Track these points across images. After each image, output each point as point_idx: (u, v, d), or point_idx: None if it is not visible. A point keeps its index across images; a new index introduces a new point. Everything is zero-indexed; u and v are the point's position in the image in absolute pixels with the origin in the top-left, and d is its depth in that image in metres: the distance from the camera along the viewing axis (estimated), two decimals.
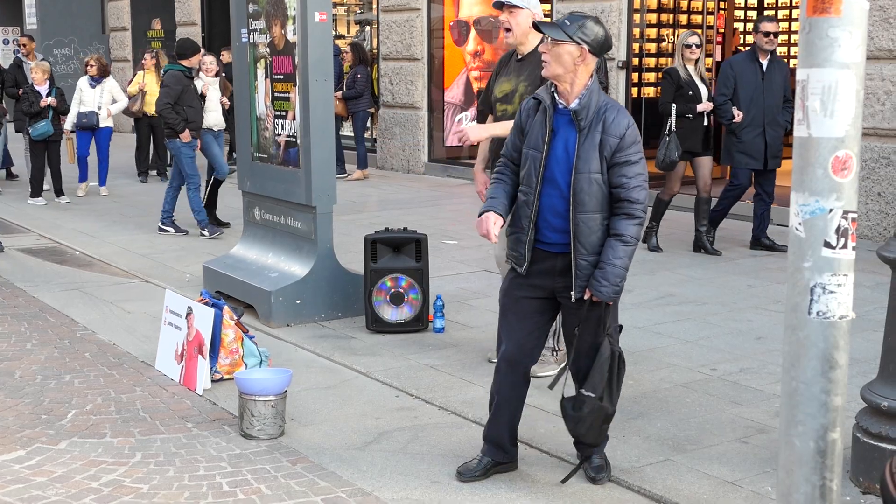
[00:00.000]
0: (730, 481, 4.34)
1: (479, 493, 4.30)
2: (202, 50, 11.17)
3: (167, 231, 10.33)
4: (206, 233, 10.09)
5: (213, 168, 10.73)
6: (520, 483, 4.39)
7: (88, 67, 13.05)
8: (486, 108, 5.93)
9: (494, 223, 4.26)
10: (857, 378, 5.05)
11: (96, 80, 12.93)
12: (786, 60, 10.15)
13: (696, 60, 8.97)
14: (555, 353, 5.68)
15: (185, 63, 10.17)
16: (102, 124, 12.91)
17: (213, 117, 10.82)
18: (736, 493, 4.24)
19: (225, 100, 11.16)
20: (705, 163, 9.09)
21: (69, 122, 12.92)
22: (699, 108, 8.84)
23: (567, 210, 4.15)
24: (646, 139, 12.01)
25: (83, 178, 13.05)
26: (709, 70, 12.06)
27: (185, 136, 9.97)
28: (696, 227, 9.12)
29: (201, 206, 10.27)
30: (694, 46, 8.89)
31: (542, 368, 5.55)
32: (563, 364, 5.59)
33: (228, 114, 12.57)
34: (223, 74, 13.37)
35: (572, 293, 4.19)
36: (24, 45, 15.24)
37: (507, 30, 5.54)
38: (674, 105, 8.86)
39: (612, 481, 4.39)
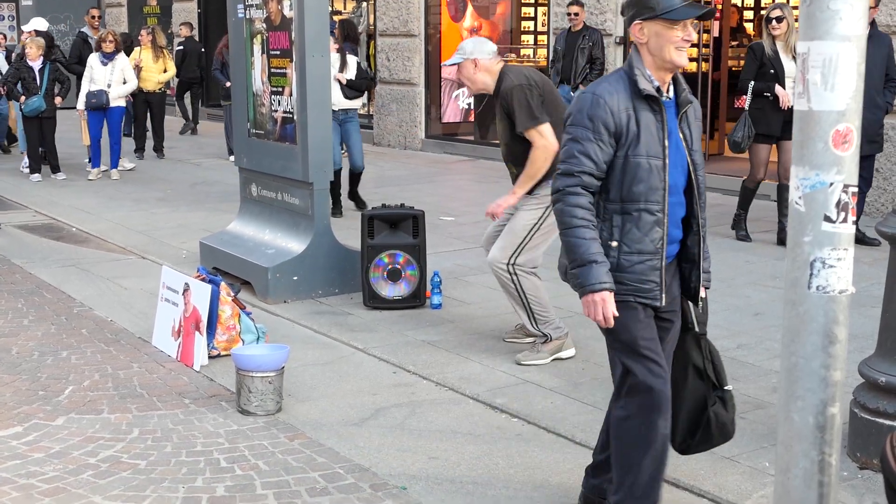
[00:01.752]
0: (727, 457, 4.34)
1: (476, 469, 4.30)
2: None
3: None
4: None
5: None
6: (517, 460, 4.39)
7: (105, 43, 12.23)
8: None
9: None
10: (855, 354, 5.03)
11: (108, 57, 12.19)
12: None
13: (786, 35, 8.09)
14: (546, 339, 5.62)
15: None
16: (113, 104, 12.20)
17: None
18: (734, 468, 4.25)
19: (340, 76, 9.58)
20: (789, 147, 8.40)
21: (80, 101, 12.28)
22: (778, 92, 8.01)
23: (686, 215, 3.62)
24: None
25: (95, 163, 12.40)
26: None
27: None
28: (780, 219, 8.36)
29: None
30: (775, 21, 8.04)
31: (529, 357, 5.55)
32: (553, 355, 5.59)
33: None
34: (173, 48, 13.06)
35: (700, 298, 3.69)
36: (95, 18, 14.27)
37: (462, 84, 5.65)
38: (752, 83, 8.14)
39: None
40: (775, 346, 5.41)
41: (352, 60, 9.77)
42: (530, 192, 5.49)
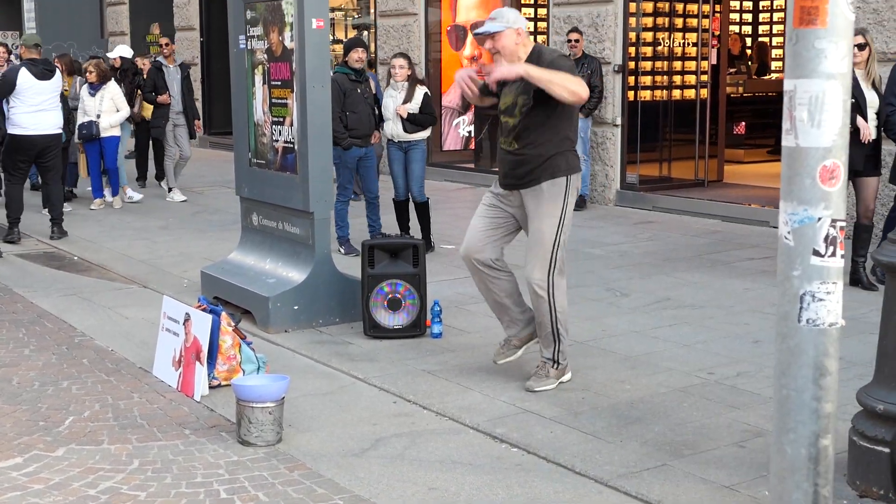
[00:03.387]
0: (727, 486, 4.35)
1: (476, 500, 4.31)
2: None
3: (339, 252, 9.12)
4: (342, 250, 9.29)
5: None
6: (517, 491, 4.40)
7: (88, 74, 12.18)
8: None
9: None
10: (854, 381, 5.06)
11: (95, 88, 12.09)
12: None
13: (867, 63, 7.57)
14: (556, 365, 5.63)
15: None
16: (105, 134, 12.03)
17: (389, 126, 9.36)
18: (733, 498, 4.25)
19: (403, 109, 9.19)
20: (870, 184, 7.73)
21: (77, 133, 12.19)
22: (860, 124, 7.47)
23: None
24: (642, 144, 12.17)
25: (96, 193, 12.36)
26: None
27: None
28: (854, 258, 7.73)
29: (345, 219, 9.51)
30: (856, 48, 7.36)
31: (539, 383, 5.56)
32: (559, 380, 5.61)
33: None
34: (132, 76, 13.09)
35: None
36: (166, 45, 13.83)
37: (496, 53, 5.49)
38: None
39: (609, 487, 4.40)
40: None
41: (419, 92, 9.27)
42: (547, 176, 5.42)
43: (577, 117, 5.70)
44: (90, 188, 12.62)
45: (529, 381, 5.59)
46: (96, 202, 12.36)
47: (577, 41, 11.55)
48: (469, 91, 5.65)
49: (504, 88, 5.63)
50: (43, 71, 10.16)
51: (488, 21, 5.53)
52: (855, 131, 7.43)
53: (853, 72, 7.20)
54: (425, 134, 9.46)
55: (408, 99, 9.17)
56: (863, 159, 7.57)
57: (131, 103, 12.91)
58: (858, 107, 7.46)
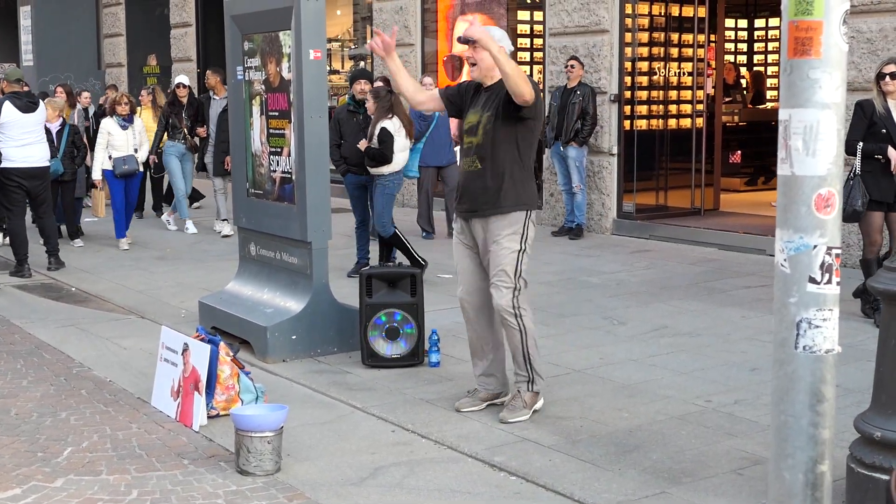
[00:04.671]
0: None
1: None
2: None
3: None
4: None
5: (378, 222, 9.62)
6: None
7: (119, 106, 11.58)
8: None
9: None
10: (851, 408, 5.08)
11: (128, 121, 11.56)
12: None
13: None
14: (530, 386, 5.60)
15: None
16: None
17: (402, 157, 9.41)
18: None
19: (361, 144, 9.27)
20: None
21: (97, 170, 11.58)
22: (891, 154, 7.28)
23: None
24: (639, 173, 12.22)
25: (121, 232, 11.67)
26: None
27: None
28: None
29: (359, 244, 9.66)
30: (888, 77, 7.32)
31: (513, 414, 5.57)
32: (533, 408, 5.61)
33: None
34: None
35: None
36: (209, 79, 12.94)
37: (473, 64, 5.61)
38: (860, 144, 7.33)
39: None
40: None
41: (380, 126, 9.22)
42: (506, 209, 5.47)
43: (537, 143, 5.78)
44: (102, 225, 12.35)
45: (503, 413, 5.60)
46: (123, 241, 11.68)
47: (573, 67, 11.61)
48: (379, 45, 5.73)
49: (470, 107, 5.70)
50: (27, 104, 10.13)
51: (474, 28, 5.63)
52: (886, 162, 7.33)
53: (885, 101, 7.31)
54: (389, 169, 9.34)
55: (371, 134, 9.22)
56: (894, 193, 7.41)
57: (192, 133, 12.57)
58: (889, 137, 7.35)
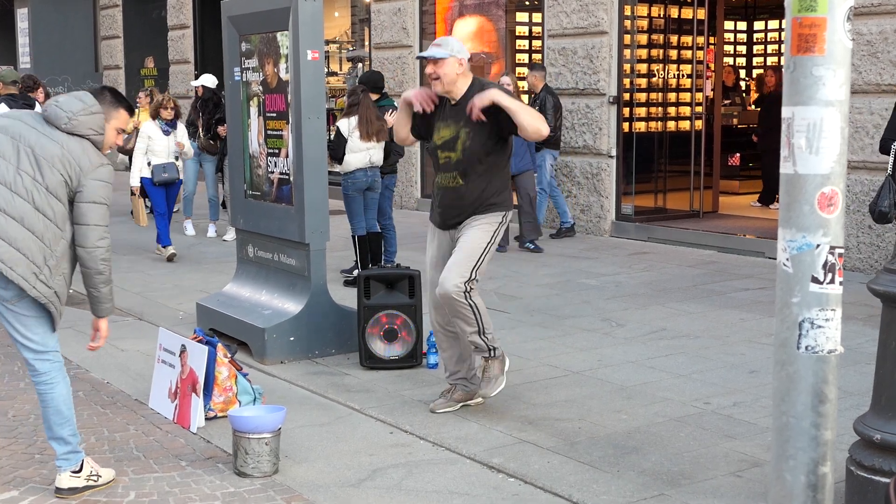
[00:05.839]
0: None
1: None
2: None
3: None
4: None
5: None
6: None
7: (164, 111, 10.85)
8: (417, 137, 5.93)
9: None
10: (851, 411, 5.06)
11: (171, 125, 10.87)
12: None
13: None
14: (492, 353, 5.57)
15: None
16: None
17: (355, 158, 9.11)
18: None
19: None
20: None
21: (135, 177, 10.83)
22: None
23: None
24: (637, 175, 12.21)
25: (166, 240, 10.92)
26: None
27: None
28: None
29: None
30: None
31: (491, 386, 5.56)
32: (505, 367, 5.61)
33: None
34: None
35: None
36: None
37: (436, 79, 5.56)
38: (895, 143, 7.02)
39: None
40: (771, 404, 5.41)
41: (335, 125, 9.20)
42: (485, 210, 5.52)
43: (510, 155, 5.80)
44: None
45: (483, 390, 5.60)
46: (168, 250, 10.91)
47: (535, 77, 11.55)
48: (430, 107, 5.65)
49: (439, 122, 5.66)
50: (22, 106, 10.08)
51: (433, 46, 5.64)
52: None
53: None
54: (341, 168, 9.20)
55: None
56: None
57: (212, 136, 12.20)
58: None
